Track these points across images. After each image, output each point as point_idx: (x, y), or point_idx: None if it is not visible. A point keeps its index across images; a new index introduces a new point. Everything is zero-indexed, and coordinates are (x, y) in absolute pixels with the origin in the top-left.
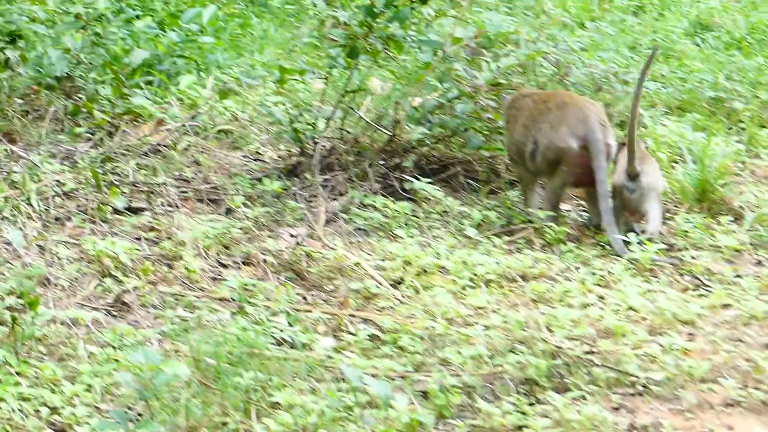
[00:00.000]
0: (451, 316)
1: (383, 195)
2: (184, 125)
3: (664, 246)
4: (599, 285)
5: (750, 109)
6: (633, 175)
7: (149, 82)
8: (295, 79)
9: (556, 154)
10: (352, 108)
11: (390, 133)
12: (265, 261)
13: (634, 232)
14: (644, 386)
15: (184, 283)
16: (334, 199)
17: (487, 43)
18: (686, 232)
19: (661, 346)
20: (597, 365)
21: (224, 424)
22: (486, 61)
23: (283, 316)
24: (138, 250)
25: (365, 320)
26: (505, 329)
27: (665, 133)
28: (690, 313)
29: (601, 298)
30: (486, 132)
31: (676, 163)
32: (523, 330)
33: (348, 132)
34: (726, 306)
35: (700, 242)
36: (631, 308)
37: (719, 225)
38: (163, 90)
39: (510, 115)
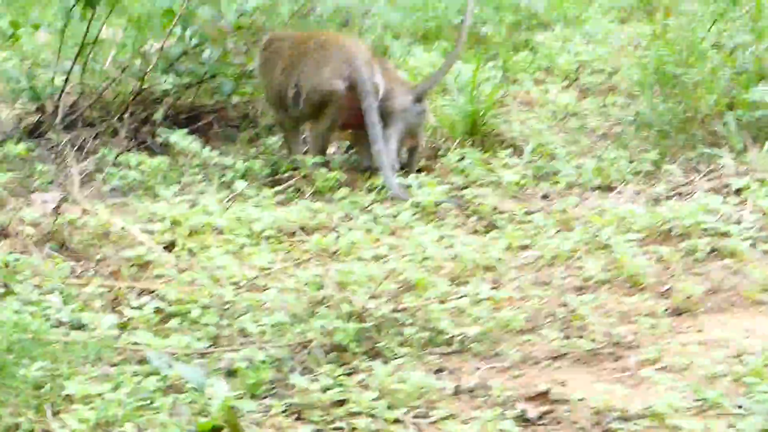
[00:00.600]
0: (237, 280)
1: (137, 151)
2: None
3: (446, 187)
4: (386, 234)
5: (499, 34)
6: (419, 97)
7: None
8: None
9: (321, 96)
10: (92, 61)
11: (136, 86)
12: (23, 233)
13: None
14: (461, 343)
15: None
16: (85, 159)
17: None
18: (463, 169)
19: (467, 297)
20: (407, 325)
21: (17, 426)
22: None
23: (57, 294)
24: None
25: (145, 291)
26: (299, 291)
27: (418, 63)
28: (489, 258)
29: (393, 248)
30: (236, 77)
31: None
32: (320, 290)
33: (90, 86)
34: (524, 247)
35: (480, 179)
36: (426, 257)
37: (497, 159)
38: None
39: (266, 59)
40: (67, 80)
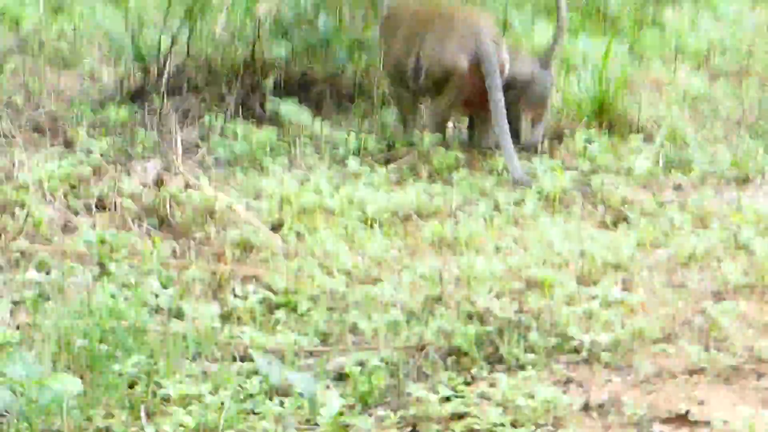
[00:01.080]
0: (348, 269)
1: (244, 120)
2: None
3: (573, 173)
4: (509, 223)
5: (626, 11)
6: (546, 63)
7: None
8: None
9: (444, 72)
10: (201, 22)
11: (246, 51)
12: (121, 206)
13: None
14: (590, 351)
15: (31, 235)
16: (189, 126)
17: None
18: (589, 154)
19: (596, 299)
20: (531, 329)
21: (108, 429)
22: None
23: (155, 277)
24: None
25: (250, 278)
26: (416, 285)
27: (542, 40)
28: (620, 254)
29: (516, 240)
30: (352, 47)
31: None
32: (438, 286)
33: (197, 50)
34: (656, 244)
35: (608, 166)
36: (551, 252)
37: (625, 144)
38: None
39: (386, 28)
40: (173, 42)
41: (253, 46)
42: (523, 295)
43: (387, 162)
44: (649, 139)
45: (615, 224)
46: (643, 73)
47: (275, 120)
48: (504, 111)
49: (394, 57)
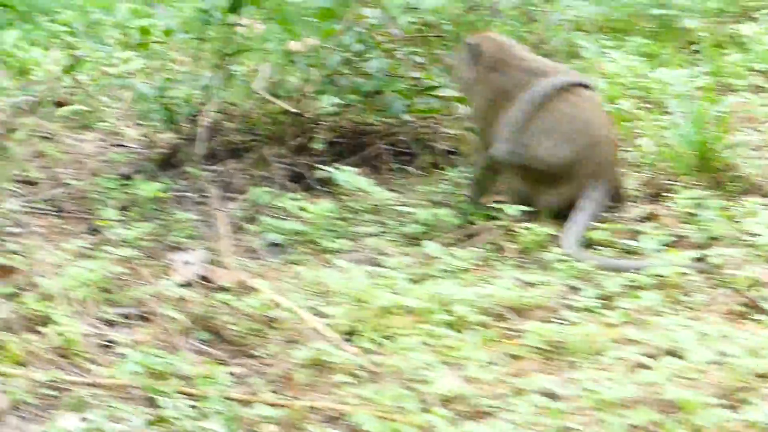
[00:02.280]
0: (446, 395)
1: (293, 188)
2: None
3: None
4: (624, 320)
5: (706, 28)
6: None
7: None
8: (159, 41)
9: (547, 166)
10: (236, 73)
11: (293, 110)
12: (165, 315)
13: None
14: None
15: (61, 358)
16: (232, 201)
17: None
18: (698, 220)
19: (753, 426)
20: None
21: None
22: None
23: (217, 418)
24: None
25: (330, 417)
26: (533, 420)
27: (617, 69)
28: (766, 362)
29: (637, 343)
30: (409, 94)
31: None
32: (560, 417)
33: (233, 105)
34: None
35: (726, 236)
36: (681, 358)
37: (740, 205)
38: None
39: (488, 79)
40: (206, 98)
41: (298, 103)
42: (661, 425)
43: (466, 238)
44: (764, 195)
45: (744, 314)
46: (732, 106)
47: (328, 185)
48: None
49: (492, 117)
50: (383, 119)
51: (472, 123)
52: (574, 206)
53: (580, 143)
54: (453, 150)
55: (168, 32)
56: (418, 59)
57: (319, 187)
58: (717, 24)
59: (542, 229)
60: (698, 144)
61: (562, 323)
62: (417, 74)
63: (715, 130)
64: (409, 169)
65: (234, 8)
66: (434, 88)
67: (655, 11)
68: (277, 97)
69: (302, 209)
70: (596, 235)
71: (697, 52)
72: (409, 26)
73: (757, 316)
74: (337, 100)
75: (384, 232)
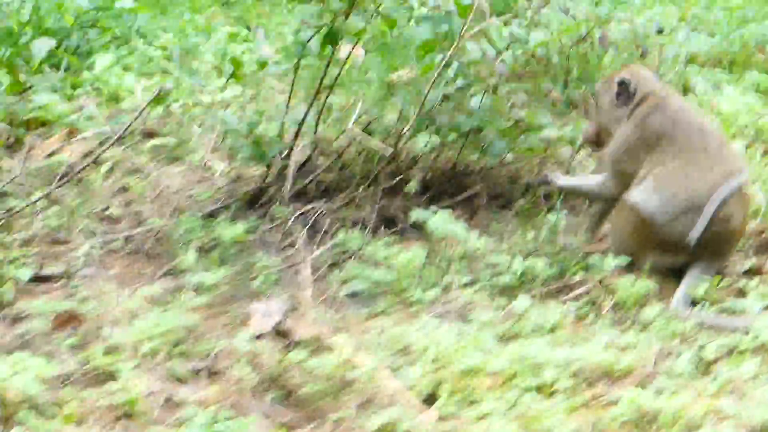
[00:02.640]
0: None
1: (383, 233)
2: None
3: None
4: (725, 390)
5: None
6: None
7: (54, 65)
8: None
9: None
10: (331, 111)
11: (388, 149)
12: (236, 372)
13: None
14: None
15: (122, 418)
16: (320, 245)
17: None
18: None
19: None
20: None
21: None
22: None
23: None
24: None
25: None
26: None
27: (730, 106)
28: None
29: (734, 419)
30: (511, 133)
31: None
32: None
33: (326, 143)
34: None
35: None
36: None
37: None
38: (74, 77)
39: (642, 129)
40: (298, 134)
41: (396, 143)
42: None
43: (560, 290)
44: None
45: None
46: None
47: (421, 229)
48: None
49: (634, 167)
50: (482, 159)
51: (609, 163)
52: (686, 271)
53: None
54: (550, 192)
55: (262, 64)
56: (522, 97)
57: (411, 233)
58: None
59: (643, 283)
60: None
61: (656, 392)
62: (521, 112)
63: None
64: (507, 214)
65: (332, 40)
66: (539, 128)
67: None
68: (370, 134)
69: (391, 254)
70: (700, 289)
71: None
72: (514, 61)
73: None
74: (434, 139)
75: (475, 282)
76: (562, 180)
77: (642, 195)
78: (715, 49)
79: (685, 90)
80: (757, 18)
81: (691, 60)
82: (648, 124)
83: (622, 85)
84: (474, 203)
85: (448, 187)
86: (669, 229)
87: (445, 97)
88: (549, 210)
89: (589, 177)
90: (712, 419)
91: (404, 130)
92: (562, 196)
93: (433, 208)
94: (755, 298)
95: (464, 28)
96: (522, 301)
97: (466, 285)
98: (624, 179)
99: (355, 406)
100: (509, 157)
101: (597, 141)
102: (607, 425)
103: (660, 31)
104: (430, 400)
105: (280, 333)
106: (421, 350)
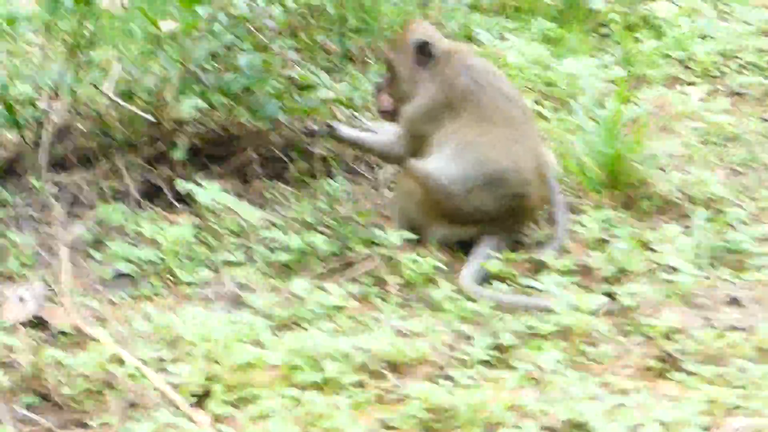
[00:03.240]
0: None
1: (149, 205)
2: None
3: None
4: (525, 379)
5: (615, 9)
6: None
7: None
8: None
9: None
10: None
11: (147, 116)
12: None
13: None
14: None
15: None
16: (79, 218)
17: None
18: (604, 241)
19: None
20: None
21: None
22: None
23: None
24: None
25: None
26: None
27: (519, 59)
28: None
29: (542, 413)
30: (286, 92)
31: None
32: None
33: (84, 106)
34: (733, 407)
35: (638, 268)
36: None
37: (654, 231)
38: None
39: (441, 91)
40: (56, 96)
41: (158, 110)
42: None
43: (343, 268)
44: (681, 215)
45: (661, 372)
46: (647, 100)
47: (189, 200)
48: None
49: (431, 127)
50: (254, 122)
51: (407, 121)
52: (474, 243)
53: (502, 194)
54: (333, 156)
55: (11, 21)
56: (294, 54)
57: (179, 204)
58: (628, 4)
59: (432, 259)
60: (608, 157)
61: (450, 384)
62: (293, 71)
63: (626, 140)
64: (283, 183)
65: None
66: (313, 87)
67: None
68: (131, 97)
69: (157, 231)
70: (494, 266)
71: (607, 36)
72: (286, 15)
73: (675, 375)
74: (200, 102)
75: (250, 261)
76: (346, 130)
77: (437, 163)
78: None
79: (469, 41)
80: None
81: (473, 7)
82: (455, 85)
83: (422, 47)
84: (247, 171)
85: (218, 153)
86: (463, 202)
87: (212, 55)
88: (328, 176)
89: (379, 132)
90: (514, 415)
91: (167, 92)
92: (341, 163)
93: (202, 177)
94: (553, 274)
95: None
96: (300, 283)
97: (239, 264)
98: (417, 142)
99: (120, 409)
100: (284, 119)
101: (394, 111)
102: (399, 423)
103: (424, 4)
104: (202, 399)
105: (36, 323)
106: (192, 343)
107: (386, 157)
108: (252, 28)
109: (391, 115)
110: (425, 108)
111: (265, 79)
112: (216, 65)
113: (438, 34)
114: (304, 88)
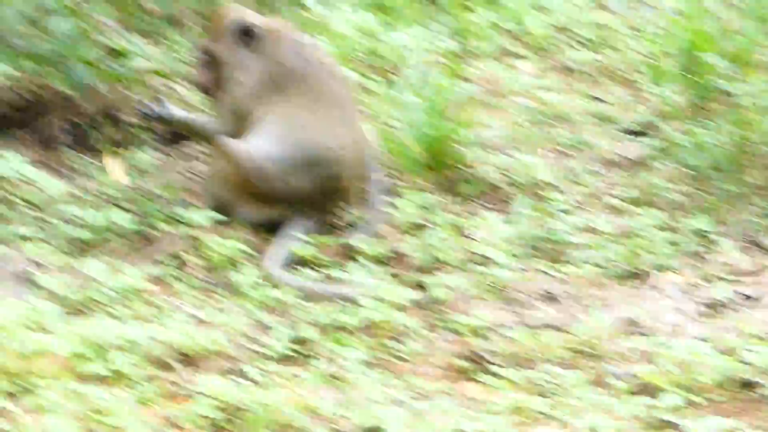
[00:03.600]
0: None
1: None
2: None
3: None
4: (324, 381)
5: None
6: None
7: None
8: None
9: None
10: None
11: None
12: None
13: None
14: None
15: None
16: None
17: None
18: (420, 227)
19: None
20: None
21: None
22: None
23: None
24: None
25: None
26: None
27: (347, 29)
28: None
29: (341, 416)
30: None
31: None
32: None
33: None
34: (540, 414)
35: (452, 258)
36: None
37: (471, 215)
38: None
39: (261, 70)
40: None
41: None
42: None
43: (144, 248)
44: (501, 198)
45: (467, 372)
46: (478, 77)
47: None
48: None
49: (251, 104)
50: (66, 90)
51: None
52: (282, 225)
53: (317, 173)
54: (142, 125)
55: None
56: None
57: None
58: None
59: (235, 245)
60: (431, 137)
61: (245, 380)
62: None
63: (452, 119)
64: (92, 153)
65: None
66: (129, 54)
67: None
68: None
69: None
70: (303, 250)
71: (435, 3)
72: None
73: (483, 377)
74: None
75: (45, 236)
76: (177, 111)
77: (255, 141)
78: None
79: (294, 3)
80: None
81: None
82: (281, 61)
83: (244, 30)
84: (53, 139)
85: (20, 118)
86: (277, 182)
87: (26, 19)
88: (137, 147)
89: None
90: (308, 419)
91: None
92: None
93: (3, 145)
94: (364, 260)
95: None
96: (96, 264)
97: (33, 238)
98: (239, 120)
99: None
100: (101, 88)
101: (214, 89)
102: (186, 422)
103: None
104: None
105: None
106: None
107: (209, 136)
108: None
109: (209, 92)
110: (249, 85)
111: (77, 45)
112: (29, 29)
113: (254, 14)
114: (120, 55)
